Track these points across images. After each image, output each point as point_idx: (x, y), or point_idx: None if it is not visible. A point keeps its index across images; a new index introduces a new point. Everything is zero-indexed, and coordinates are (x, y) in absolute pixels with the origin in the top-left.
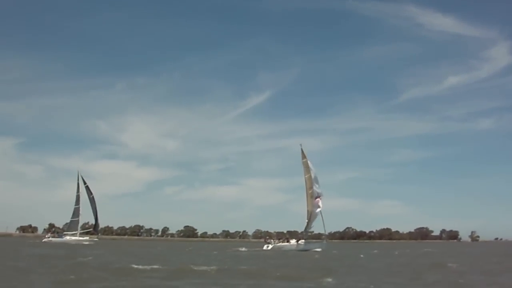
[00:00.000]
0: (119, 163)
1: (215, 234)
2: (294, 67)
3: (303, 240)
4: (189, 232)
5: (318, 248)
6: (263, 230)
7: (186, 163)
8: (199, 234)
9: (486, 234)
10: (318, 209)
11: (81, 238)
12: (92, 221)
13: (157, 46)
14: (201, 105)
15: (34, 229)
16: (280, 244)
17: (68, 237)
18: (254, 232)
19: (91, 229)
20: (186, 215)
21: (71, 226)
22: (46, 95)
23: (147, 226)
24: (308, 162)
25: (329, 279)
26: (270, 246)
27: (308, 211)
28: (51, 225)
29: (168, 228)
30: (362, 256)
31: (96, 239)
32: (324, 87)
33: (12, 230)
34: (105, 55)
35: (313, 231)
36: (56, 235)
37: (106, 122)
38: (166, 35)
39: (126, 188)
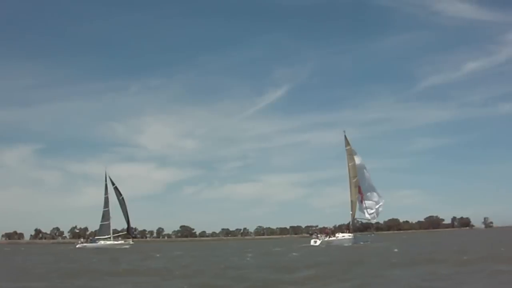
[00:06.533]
0: (138, 165)
1: (214, 232)
2: (310, 61)
3: (350, 234)
4: (186, 232)
5: (370, 241)
6: (265, 227)
7: (205, 162)
8: (197, 233)
9: (506, 220)
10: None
11: (116, 242)
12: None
13: (170, 46)
14: (218, 103)
15: (20, 236)
16: (330, 239)
17: (102, 242)
18: (256, 229)
19: (123, 233)
20: (206, 214)
21: (102, 230)
22: (62, 100)
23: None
24: (352, 149)
25: None
26: (319, 242)
27: (351, 201)
28: (38, 231)
29: (163, 229)
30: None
31: (131, 243)
32: (341, 79)
33: None
34: (117, 58)
35: (359, 222)
36: (89, 240)
37: (122, 124)
38: (178, 35)
39: (145, 190)
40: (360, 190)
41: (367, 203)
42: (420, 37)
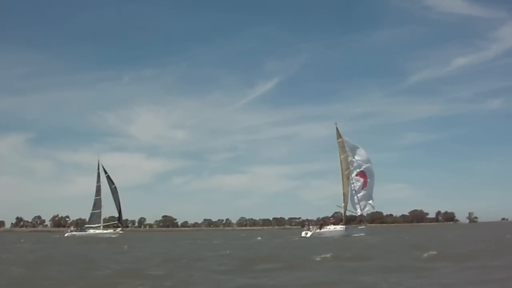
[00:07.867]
0: (128, 155)
1: (196, 223)
2: (301, 54)
3: (342, 226)
4: (168, 222)
5: (361, 233)
6: (247, 218)
7: (195, 153)
8: (179, 223)
9: (493, 215)
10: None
11: (105, 231)
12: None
13: (163, 37)
14: (209, 95)
15: (1, 224)
16: (321, 230)
17: (91, 231)
18: (238, 220)
19: (113, 222)
20: (194, 204)
21: (92, 218)
22: (54, 89)
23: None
24: (344, 141)
25: None
26: (309, 233)
27: (344, 194)
28: (19, 219)
29: (145, 219)
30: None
31: (120, 232)
32: (331, 73)
33: None
34: (111, 48)
35: (348, 214)
36: (78, 228)
37: (114, 114)
38: (172, 26)
39: (135, 180)
40: (366, 179)
41: (361, 196)
42: (411, 31)
